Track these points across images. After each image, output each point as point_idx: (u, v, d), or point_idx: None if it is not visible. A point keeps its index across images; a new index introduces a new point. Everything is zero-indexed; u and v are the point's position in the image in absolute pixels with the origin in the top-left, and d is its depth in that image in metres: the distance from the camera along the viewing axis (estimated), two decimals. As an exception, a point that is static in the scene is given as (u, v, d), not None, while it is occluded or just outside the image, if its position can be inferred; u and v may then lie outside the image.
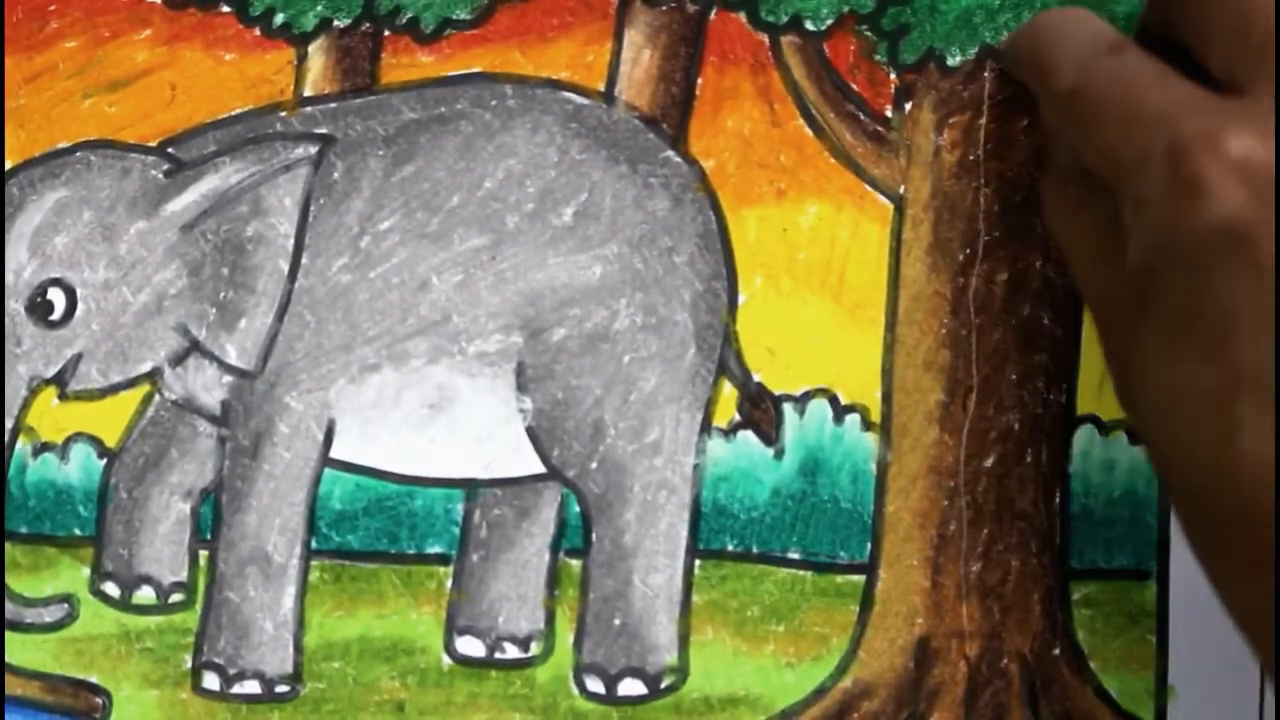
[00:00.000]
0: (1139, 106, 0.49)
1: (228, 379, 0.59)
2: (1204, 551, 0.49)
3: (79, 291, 0.58)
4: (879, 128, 0.58)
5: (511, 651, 0.58)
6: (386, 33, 0.59)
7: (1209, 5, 0.50)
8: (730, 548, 0.58)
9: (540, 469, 0.59)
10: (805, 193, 0.58)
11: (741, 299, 0.58)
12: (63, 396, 0.59)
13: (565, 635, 0.58)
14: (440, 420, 0.58)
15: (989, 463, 0.58)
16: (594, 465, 0.58)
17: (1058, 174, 0.55)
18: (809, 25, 0.58)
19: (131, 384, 0.59)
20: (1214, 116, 0.47)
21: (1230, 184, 0.46)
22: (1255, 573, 0.46)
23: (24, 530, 0.59)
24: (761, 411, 0.58)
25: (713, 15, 0.59)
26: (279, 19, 0.59)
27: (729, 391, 0.58)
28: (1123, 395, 0.51)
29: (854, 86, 0.58)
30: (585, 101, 0.59)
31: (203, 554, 0.59)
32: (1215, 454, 0.46)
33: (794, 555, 0.58)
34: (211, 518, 0.59)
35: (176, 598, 0.59)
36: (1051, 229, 0.55)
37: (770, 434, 0.58)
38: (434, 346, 0.58)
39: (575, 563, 0.59)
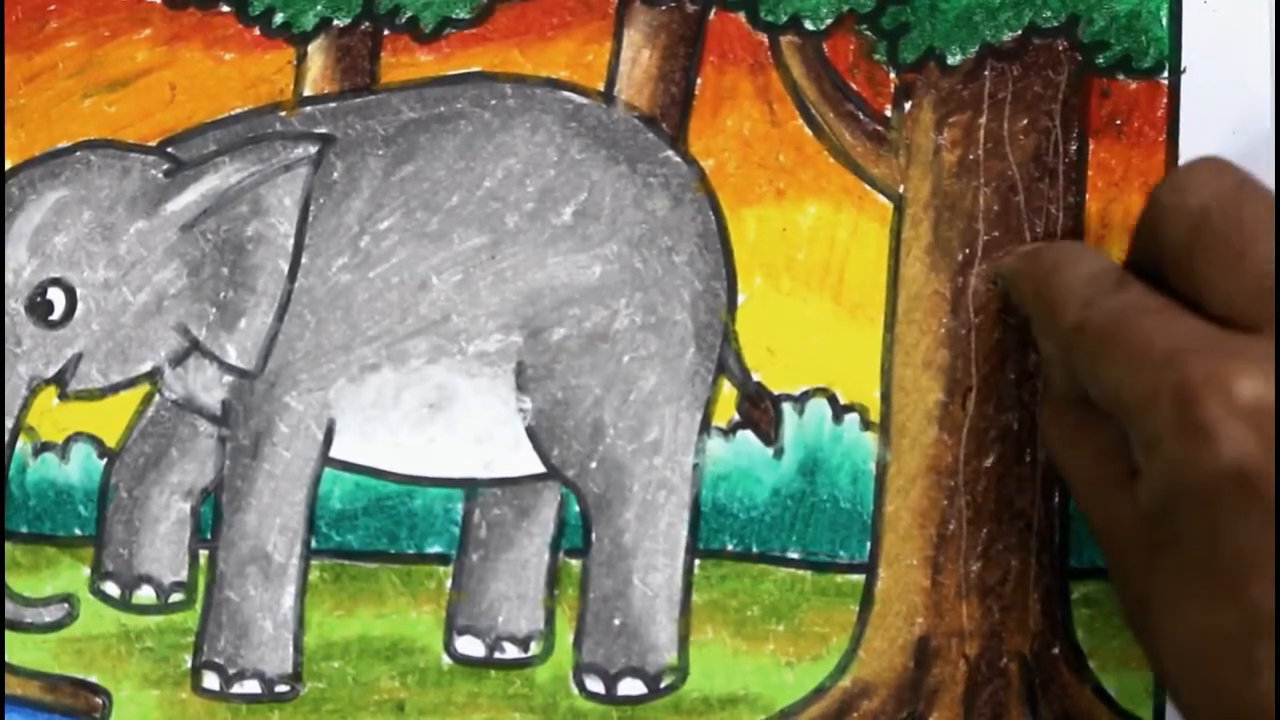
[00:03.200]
0: (1145, 345, 0.49)
1: (228, 379, 0.59)
2: None
3: (79, 291, 0.58)
4: (879, 127, 0.58)
5: (511, 651, 0.58)
6: (386, 32, 0.59)
7: (1198, 246, 0.50)
8: (730, 547, 0.58)
9: (540, 469, 0.59)
10: (805, 192, 0.58)
11: (741, 299, 0.58)
12: (63, 396, 0.59)
13: (565, 635, 0.58)
14: (440, 420, 0.58)
15: (989, 463, 0.58)
16: (594, 465, 0.58)
17: (1056, 400, 0.54)
18: (808, 25, 0.58)
19: (131, 384, 0.59)
20: (1221, 359, 0.47)
21: (1239, 428, 0.46)
22: None
23: (24, 530, 0.59)
24: (761, 411, 0.58)
25: (712, 15, 0.59)
26: (278, 18, 0.59)
27: (729, 391, 0.58)
28: (1137, 628, 0.51)
29: (853, 86, 0.58)
30: (585, 101, 0.59)
31: (203, 554, 0.59)
32: (1237, 695, 0.47)
33: (794, 555, 0.58)
34: (211, 517, 0.59)
35: (176, 597, 0.59)
36: (1052, 456, 0.55)
37: (770, 434, 0.58)
38: (434, 346, 0.58)
39: (575, 562, 0.59)
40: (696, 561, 0.58)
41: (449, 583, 0.59)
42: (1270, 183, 0.57)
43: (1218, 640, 0.47)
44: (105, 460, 0.59)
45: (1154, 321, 0.49)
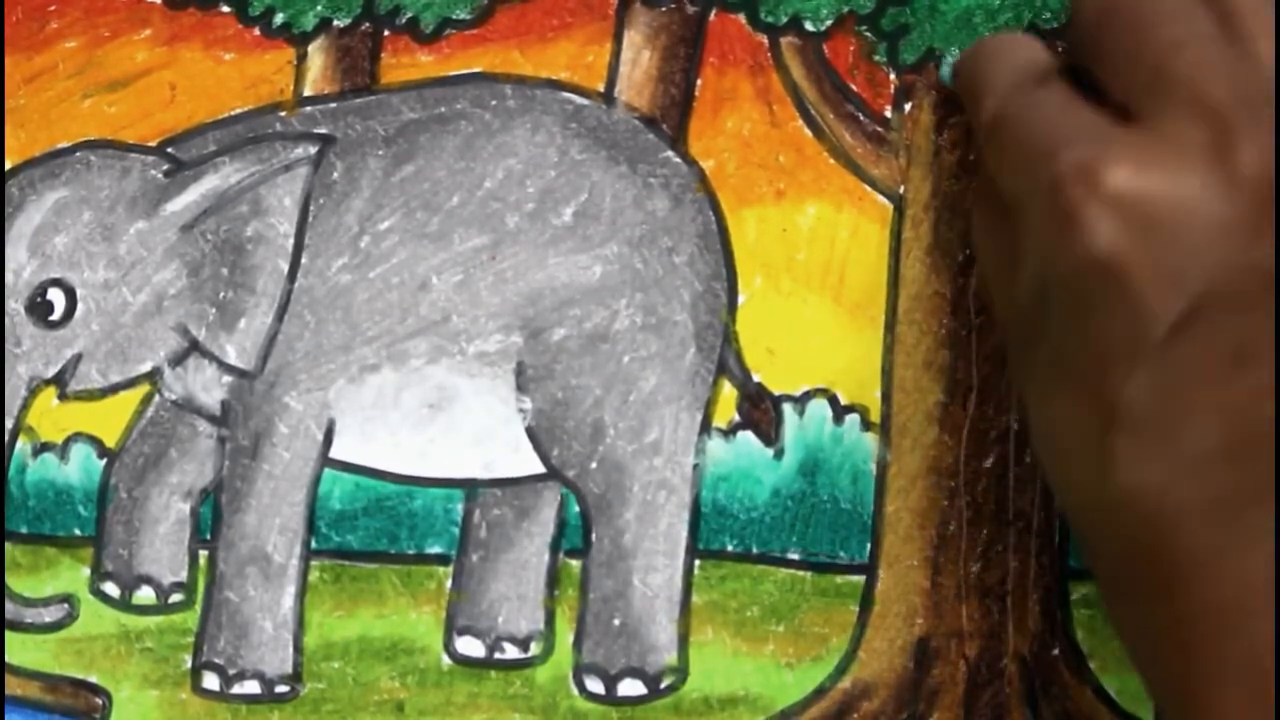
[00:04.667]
0: (1036, 138, 0.49)
1: (227, 379, 0.59)
2: (1095, 575, 0.50)
3: (79, 292, 0.58)
4: (879, 128, 0.58)
5: (511, 651, 0.58)
6: (386, 32, 0.59)
7: (1104, 33, 0.50)
8: (730, 548, 0.58)
9: (540, 469, 0.59)
10: (805, 193, 0.58)
11: (741, 299, 0.58)
12: (63, 396, 0.59)
13: (565, 635, 0.58)
14: (440, 420, 0.58)
15: (989, 463, 0.58)
16: (594, 465, 0.58)
17: (983, 192, 0.55)
18: (808, 26, 0.58)
19: (131, 384, 0.59)
20: (1095, 148, 0.47)
21: (1104, 218, 0.46)
22: (1136, 601, 0.46)
23: (24, 530, 0.59)
24: (761, 411, 0.58)
25: (712, 16, 0.59)
26: (279, 19, 0.59)
27: (729, 391, 0.58)
28: (1020, 420, 0.51)
29: (854, 87, 0.58)
30: (585, 102, 0.59)
31: (203, 554, 0.59)
32: (1094, 488, 0.47)
33: (794, 555, 0.58)
34: (211, 518, 0.59)
35: (176, 598, 0.59)
36: (974, 246, 0.56)
37: (770, 434, 0.58)
38: (434, 346, 0.58)
39: (575, 563, 0.59)
40: (696, 562, 0.58)
41: (449, 583, 0.59)
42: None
43: (1076, 432, 0.47)
44: (105, 461, 0.59)
45: (1050, 116, 0.49)
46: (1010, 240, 0.51)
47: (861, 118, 0.58)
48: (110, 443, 0.59)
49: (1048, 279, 0.48)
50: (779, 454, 0.58)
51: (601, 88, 0.59)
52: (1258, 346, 0.44)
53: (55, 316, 0.58)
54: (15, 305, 0.58)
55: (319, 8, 0.59)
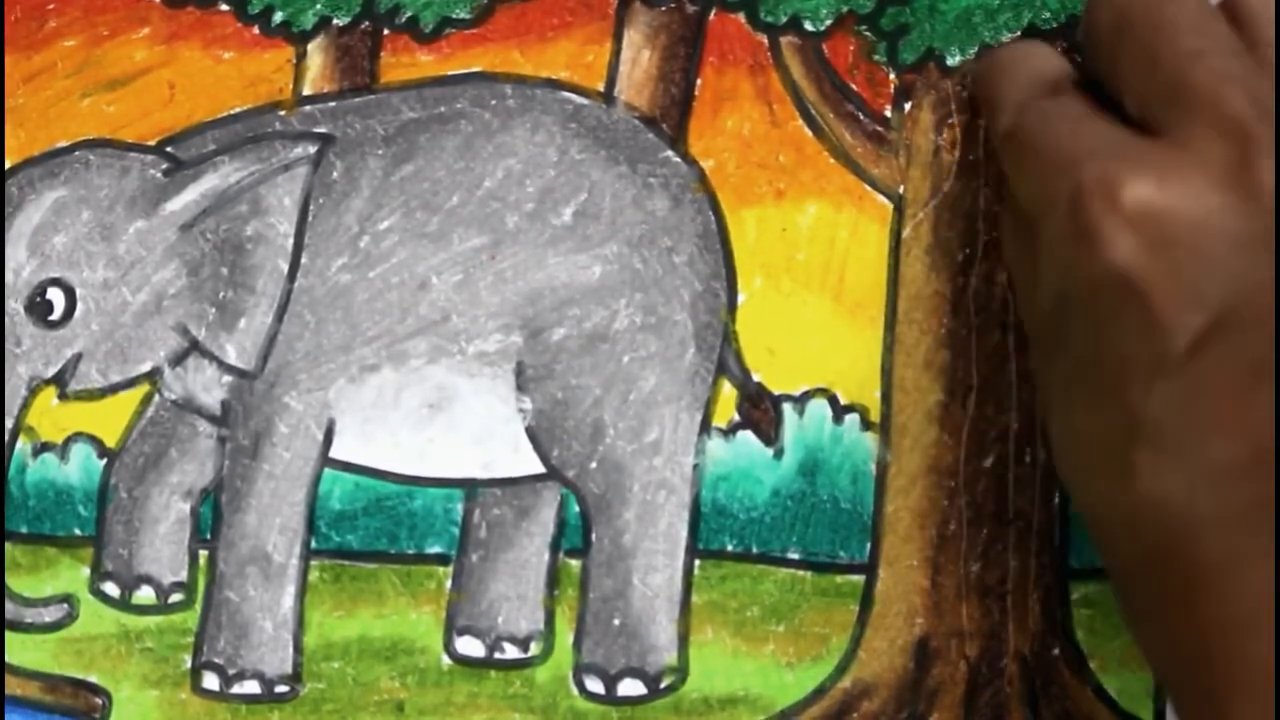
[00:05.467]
0: (1054, 150, 0.49)
1: (227, 379, 0.59)
2: (1114, 585, 0.50)
3: (78, 291, 0.58)
4: (878, 128, 0.58)
5: (511, 651, 0.58)
6: (386, 31, 0.59)
7: (1120, 44, 0.50)
8: (730, 548, 0.58)
9: (540, 469, 0.59)
10: (805, 193, 0.58)
11: (741, 299, 0.58)
12: (63, 396, 0.59)
13: (565, 635, 0.58)
14: (440, 420, 0.58)
15: (989, 463, 0.58)
16: (593, 465, 0.58)
17: (1009, 202, 0.55)
18: (808, 26, 0.58)
19: (131, 384, 0.59)
20: (1115, 162, 0.47)
21: (1123, 233, 0.46)
22: (1156, 611, 0.47)
23: (24, 530, 0.59)
24: (761, 411, 0.58)
25: (712, 15, 0.59)
26: (278, 17, 0.59)
27: (729, 391, 0.58)
28: (1043, 432, 0.51)
29: (853, 87, 0.58)
30: (585, 101, 0.59)
31: (203, 554, 0.59)
32: (1114, 499, 0.47)
33: (794, 555, 0.58)
34: (211, 518, 0.59)
35: (176, 598, 0.59)
36: (1004, 257, 0.56)
37: (770, 434, 0.58)
38: (434, 346, 0.58)
39: (575, 563, 0.59)
40: (696, 562, 0.58)
41: (449, 583, 0.59)
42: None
43: (1096, 445, 0.48)
44: (105, 460, 0.59)
45: (1069, 128, 0.50)
46: (1031, 251, 0.51)
47: (861, 117, 0.58)
48: (110, 443, 0.59)
49: (1067, 292, 0.48)
50: (779, 454, 0.58)
51: (601, 87, 0.59)
52: (1276, 363, 0.45)
53: (55, 316, 0.58)
54: (15, 305, 0.58)
55: (318, 6, 0.59)
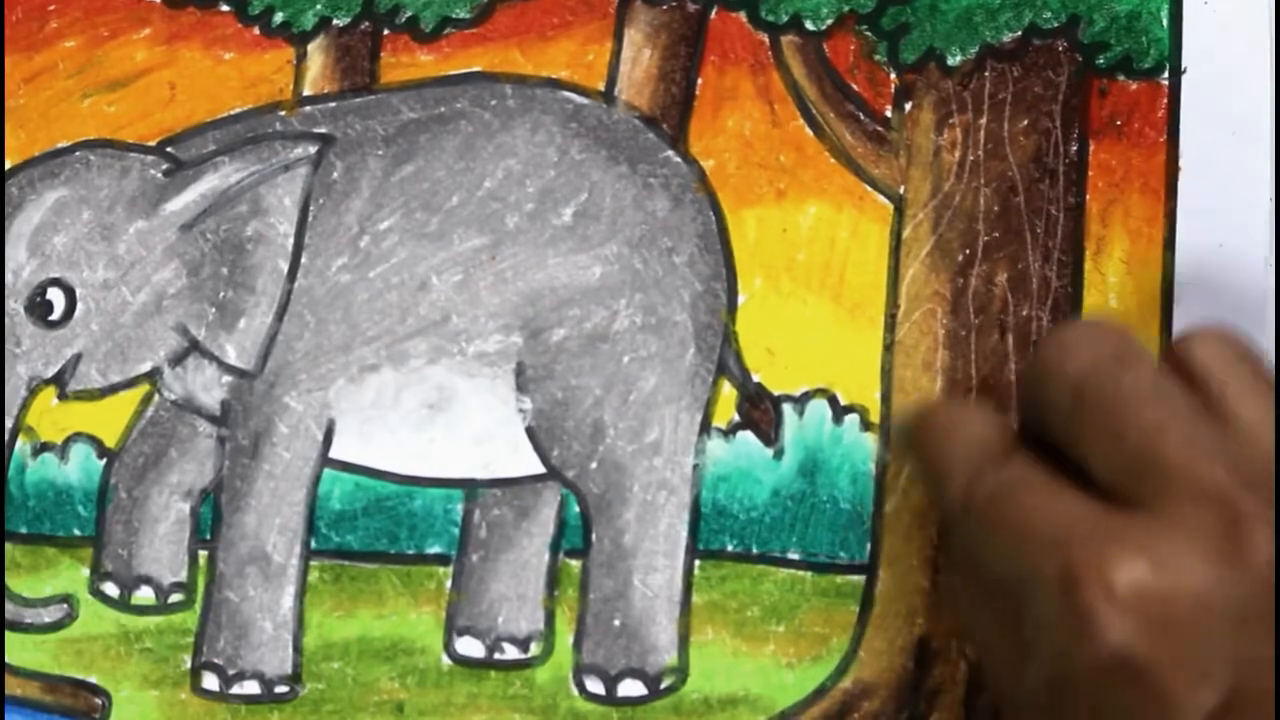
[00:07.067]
0: (1027, 526, 0.48)
1: (227, 379, 0.59)
2: None
3: (78, 291, 0.58)
4: (879, 128, 0.58)
5: (511, 652, 0.58)
6: (386, 32, 0.59)
7: (1079, 417, 0.49)
8: (730, 548, 0.58)
9: (540, 469, 0.58)
10: (805, 193, 0.58)
11: (741, 299, 0.58)
12: (62, 396, 0.59)
13: (565, 636, 0.58)
14: (440, 420, 0.58)
15: (989, 463, 0.58)
16: (594, 465, 0.58)
17: (959, 562, 0.53)
18: (809, 25, 0.58)
19: (131, 384, 0.59)
20: (1100, 545, 0.47)
21: (1120, 616, 0.46)
22: None
23: (24, 530, 0.59)
24: (761, 412, 0.58)
25: (713, 15, 0.59)
26: (278, 18, 0.59)
27: (729, 391, 0.58)
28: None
29: (854, 86, 0.58)
30: (585, 101, 0.59)
31: (202, 554, 0.59)
32: None
33: (794, 555, 0.58)
34: (211, 518, 0.59)
35: (176, 598, 0.59)
36: (963, 620, 0.55)
37: (769, 434, 0.58)
38: (434, 346, 0.58)
39: (575, 563, 0.59)
40: (696, 562, 0.58)
41: (449, 583, 0.59)
42: (1270, 182, 0.57)
43: None
44: (105, 460, 0.59)
45: (1036, 500, 0.49)
46: (1013, 626, 0.49)
47: (862, 117, 0.58)
48: (110, 443, 0.59)
49: (1063, 676, 0.47)
50: (779, 454, 0.58)
51: (602, 87, 0.59)
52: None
53: (55, 316, 0.58)
54: (15, 305, 0.58)
55: (318, 7, 0.59)
